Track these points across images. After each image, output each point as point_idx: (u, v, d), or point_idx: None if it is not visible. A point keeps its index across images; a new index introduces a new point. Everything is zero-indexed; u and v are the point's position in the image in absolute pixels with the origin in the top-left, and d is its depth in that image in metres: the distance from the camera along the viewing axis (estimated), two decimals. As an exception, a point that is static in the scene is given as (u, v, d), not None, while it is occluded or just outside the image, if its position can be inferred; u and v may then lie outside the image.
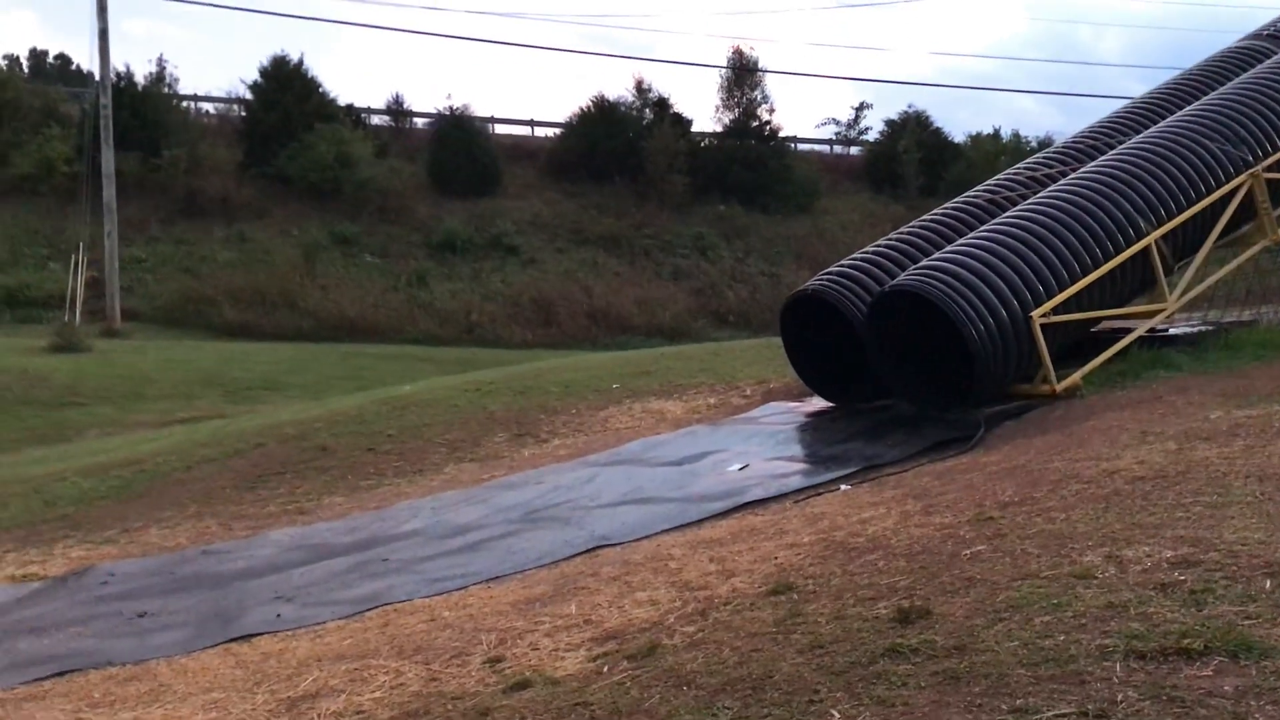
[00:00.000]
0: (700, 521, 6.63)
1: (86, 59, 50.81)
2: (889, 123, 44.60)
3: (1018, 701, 2.84)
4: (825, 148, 46.67)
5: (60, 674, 5.47)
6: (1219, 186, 9.51)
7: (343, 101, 38.46)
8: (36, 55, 48.71)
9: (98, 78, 30.05)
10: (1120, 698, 2.78)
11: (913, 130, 42.76)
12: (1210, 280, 9.90)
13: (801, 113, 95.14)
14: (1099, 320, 9.37)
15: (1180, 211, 9.29)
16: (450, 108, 39.32)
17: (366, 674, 4.35)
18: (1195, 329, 10.30)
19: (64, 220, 31.10)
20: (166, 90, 38.32)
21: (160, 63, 39.76)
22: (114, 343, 25.80)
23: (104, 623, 6.32)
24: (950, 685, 3.02)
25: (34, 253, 31.17)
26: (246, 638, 5.65)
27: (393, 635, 5.09)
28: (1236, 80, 10.73)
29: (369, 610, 5.80)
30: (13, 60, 44.30)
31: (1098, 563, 3.87)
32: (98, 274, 29.01)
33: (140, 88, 36.21)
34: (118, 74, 33.25)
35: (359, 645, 4.99)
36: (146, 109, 34.83)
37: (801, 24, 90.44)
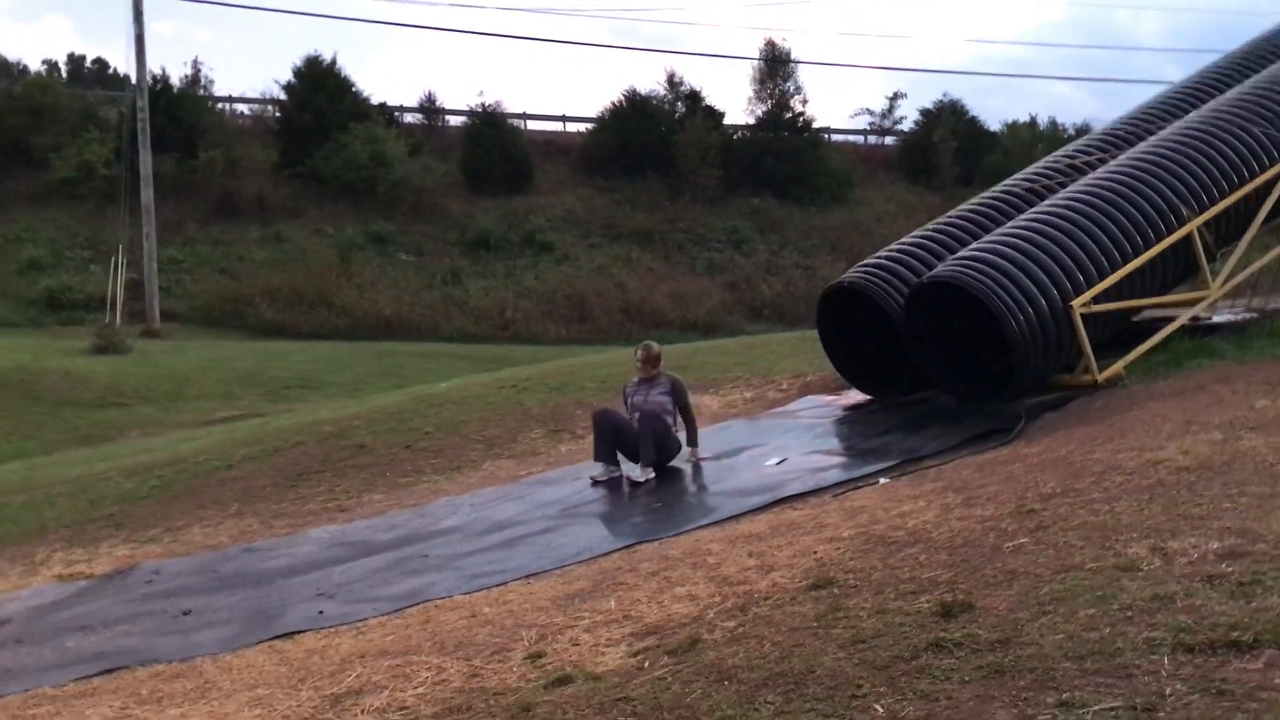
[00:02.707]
0: (738, 516, 6.61)
1: (123, 63, 51.41)
2: (924, 112, 44.31)
3: (1064, 695, 2.82)
4: (859, 138, 46.41)
5: (108, 671, 5.54)
6: (1263, 171, 9.36)
7: (376, 100, 38.78)
8: (74, 60, 49.27)
9: (134, 81, 30.41)
10: (1169, 691, 2.75)
11: (948, 119, 42.43)
12: (1254, 267, 9.76)
13: (835, 103, 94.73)
14: (1140, 309, 9.26)
15: (1223, 197, 9.16)
16: (482, 105, 39.48)
17: (409, 670, 4.37)
18: (1239, 317, 10.15)
19: (103, 223, 31.54)
20: (202, 92, 38.74)
21: (195, 65, 40.21)
22: (154, 343, 26.13)
23: (149, 620, 6.40)
24: (994, 679, 3.00)
25: (75, 255, 31.64)
26: (290, 635, 5.70)
27: (434, 631, 5.12)
28: None
29: (410, 607, 5.84)
30: (52, 66, 44.86)
31: (1143, 555, 3.82)
32: (137, 275, 29.39)
33: (176, 90, 36.63)
34: (154, 77, 33.65)
35: (401, 642, 5.03)
36: (182, 111, 35.22)
37: (833, 13, 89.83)
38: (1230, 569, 3.54)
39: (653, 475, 7.90)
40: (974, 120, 43.85)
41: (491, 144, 37.83)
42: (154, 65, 35.63)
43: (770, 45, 41.69)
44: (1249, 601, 3.25)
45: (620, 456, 8.19)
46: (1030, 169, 10.84)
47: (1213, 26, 71.99)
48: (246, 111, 40.57)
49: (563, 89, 74.51)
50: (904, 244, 9.85)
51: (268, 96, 39.44)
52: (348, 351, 25.34)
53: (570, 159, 40.35)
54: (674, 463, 8.24)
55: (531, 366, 15.79)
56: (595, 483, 8.07)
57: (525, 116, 41.60)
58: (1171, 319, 9.22)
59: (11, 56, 43.52)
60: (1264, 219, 9.43)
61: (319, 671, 4.70)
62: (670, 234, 37.28)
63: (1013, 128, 44.23)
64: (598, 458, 8.19)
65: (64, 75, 44.15)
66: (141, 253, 29.03)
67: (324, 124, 35.32)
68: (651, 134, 38.83)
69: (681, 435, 8.36)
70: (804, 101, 41.56)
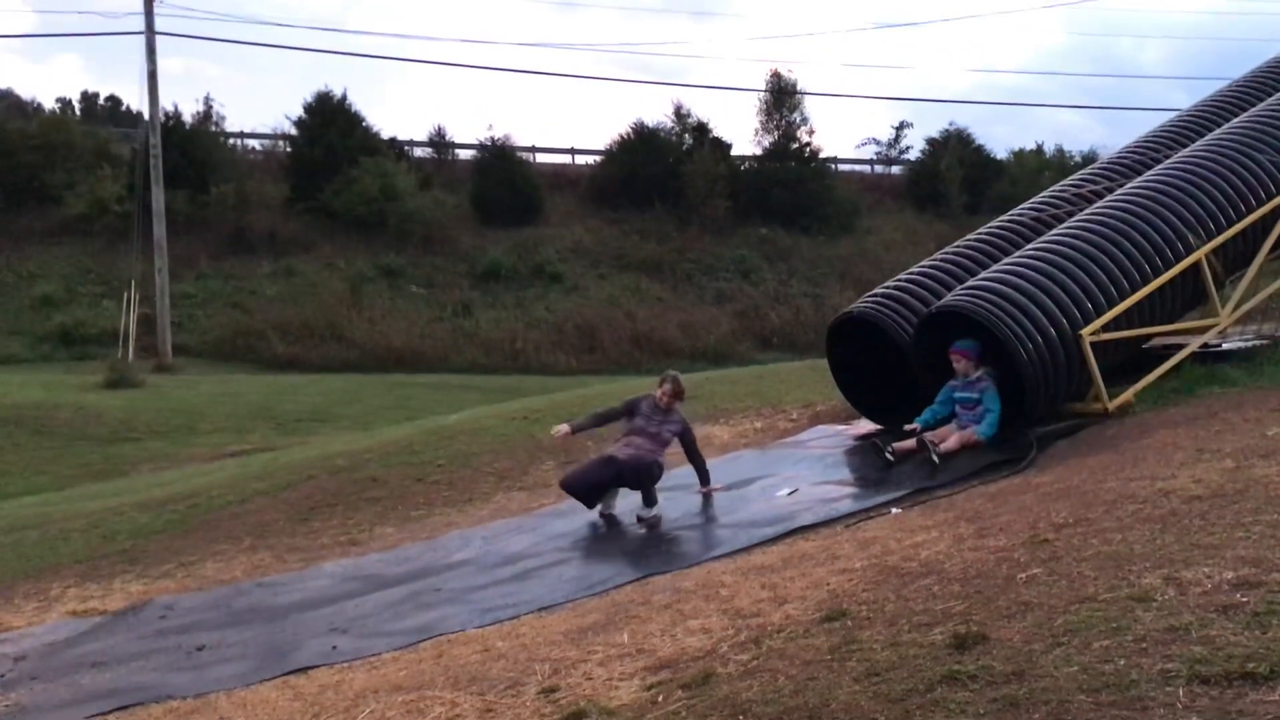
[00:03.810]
0: (750, 548, 6.61)
1: (136, 99, 52.00)
2: (930, 141, 44.53)
3: (1079, 728, 2.81)
4: (866, 168, 46.62)
5: (123, 708, 5.55)
6: (1270, 198, 9.38)
7: (386, 135, 39.11)
8: (88, 98, 49.79)
9: (147, 118, 30.70)
10: (1184, 723, 2.74)
11: (954, 148, 42.60)
12: (1264, 293, 9.74)
13: (841, 133, 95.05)
14: (1150, 337, 9.25)
15: (1231, 224, 9.17)
16: (491, 138, 39.81)
17: (423, 705, 4.37)
18: (1250, 343, 10.13)
19: (116, 258, 31.77)
20: (213, 128, 39.10)
21: (207, 101, 40.60)
22: (166, 378, 26.24)
23: (164, 656, 6.41)
24: (1009, 712, 2.99)
25: (88, 291, 31.86)
26: (304, 670, 5.71)
27: (447, 666, 5.12)
28: (1284, 90, 10.59)
29: (423, 641, 5.84)
30: (65, 104, 45.35)
31: (1156, 585, 3.81)
32: (149, 310, 29.56)
33: (188, 126, 36.99)
34: (166, 114, 33.96)
35: (414, 676, 5.03)
36: (195, 147, 35.58)
37: (838, 45, 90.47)
38: (1245, 599, 3.53)
39: (657, 512, 7.88)
40: (980, 149, 44.05)
41: (501, 177, 38.08)
42: (166, 102, 35.92)
43: (776, 77, 42.02)
44: (1264, 631, 3.24)
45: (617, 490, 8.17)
46: (1038, 197, 10.87)
47: (1216, 54, 72.25)
48: (258, 147, 40.94)
49: (571, 122, 75.07)
50: (913, 273, 9.87)
51: (279, 132, 39.84)
52: (359, 384, 25.41)
53: (579, 191, 40.59)
54: (688, 494, 8.25)
55: (542, 397, 15.81)
56: (604, 515, 8.07)
57: (534, 149, 41.91)
58: (1181, 346, 9.21)
59: (26, 95, 43.96)
60: (1272, 245, 9.43)
61: (333, 707, 4.71)
62: (679, 264, 37.41)
63: (1019, 156, 44.43)
64: (591, 506, 8.14)
65: (77, 113, 44.58)
66: (154, 288, 29.24)
67: (334, 159, 35.61)
68: (659, 165, 39.07)
69: (681, 469, 8.33)
70: (810, 132, 41.90)
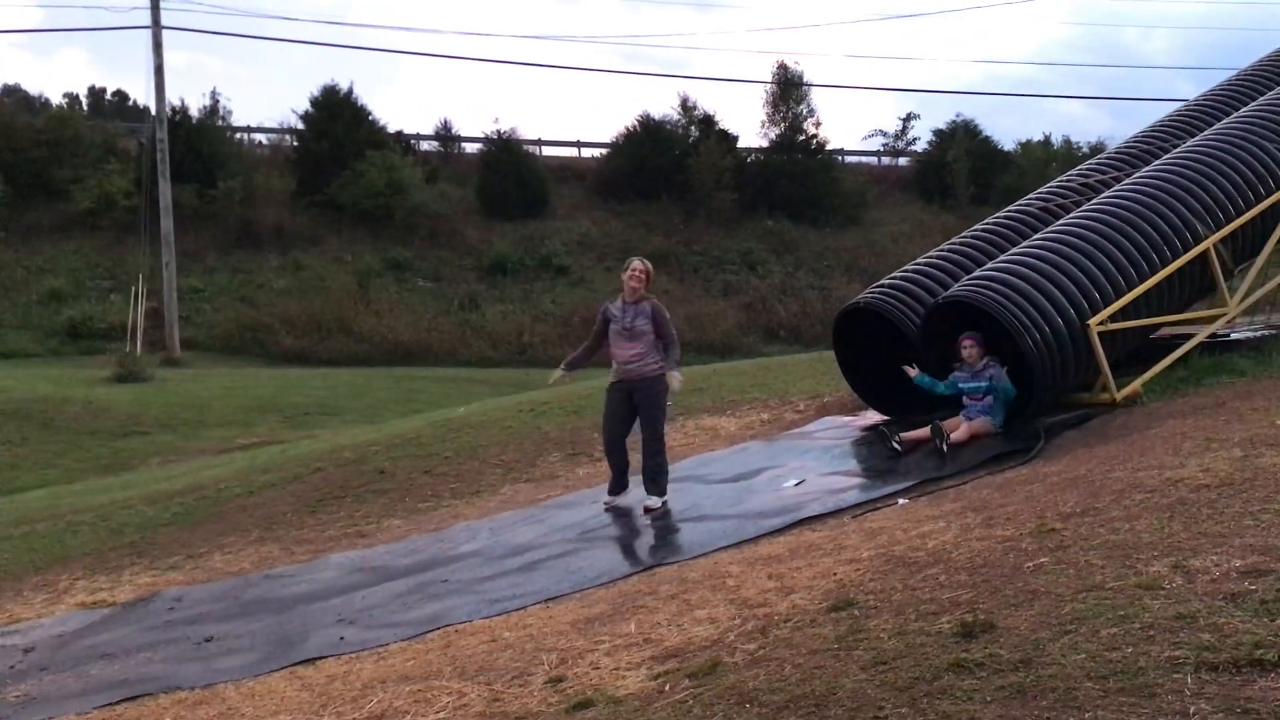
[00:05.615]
0: (757, 538, 6.61)
1: (143, 94, 52.15)
2: (937, 132, 44.45)
3: (1086, 715, 2.81)
4: (873, 159, 46.52)
5: (131, 698, 5.57)
6: (1278, 187, 9.34)
7: (392, 129, 39.15)
8: (95, 93, 49.94)
9: (154, 113, 30.73)
10: (1193, 710, 2.74)
11: (961, 139, 42.49)
12: (1272, 283, 9.70)
13: (848, 125, 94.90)
14: (1158, 327, 9.22)
15: (1239, 214, 9.14)
16: (498, 132, 39.82)
17: (430, 695, 4.38)
18: (1258, 333, 10.10)
19: (124, 253, 31.86)
20: (220, 123, 39.14)
21: (214, 96, 40.75)
22: (174, 372, 26.31)
23: (172, 647, 6.43)
24: (1017, 700, 2.99)
25: (96, 285, 31.95)
26: (311, 661, 5.72)
27: (454, 656, 5.13)
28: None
29: (430, 631, 5.85)
30: (73, 99, 45.43)
31: (1164, 573, 3.81)
32: (157, 305, 29.64)
33: (195, 121, 37.01)
34: (173, 108, 34.04)
35: (422, 667, 5.04)
36: (201, 142, 35.62)
37: (844, 36, 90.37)
38: (1253, 587, 3.52)
39: (664, 502, 7.89)
40: (987, 140, 43.96)
41: (507, 170, 38.09)
42: (173, 96, 36.08)
43: (782, 68, 41.95)
44: (1273, 619, 3.23)
45: (630, 482, 8.16)
46: (1045, 188, 10.84)
47: (1222, 43, 72.00)
48: (264, 141, 41.01)
49: (577, 115, 75.06)
50: (919, 264, 9.86)
51: (285, 126, 39.90)
52: (366, 378, 25.44)
53: (585, 184, 40.59)
54: (694, 485, 8.25)
55: (549, 390, 15.80)
56: (608, 507, 8.08)
57: (540, 143, 41.91)
58: (1189, 336, 9.18)
59: (33, 90, 44.08)
60: (1281, 235, 9.39)
61: (341, 697, 4.72)
62: (686, 256, 37.39)
63: (1026, 146, 44.30)
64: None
65: (85, 108, 44.65)
66: (161, 282, 29.31)
67: (341, 152, 35.65)
68: (666, 158, 39.04)
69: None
70: (817, 124, 41.84)
